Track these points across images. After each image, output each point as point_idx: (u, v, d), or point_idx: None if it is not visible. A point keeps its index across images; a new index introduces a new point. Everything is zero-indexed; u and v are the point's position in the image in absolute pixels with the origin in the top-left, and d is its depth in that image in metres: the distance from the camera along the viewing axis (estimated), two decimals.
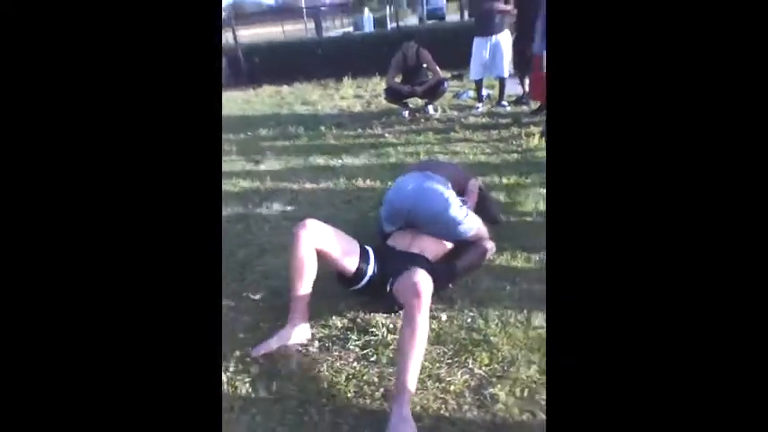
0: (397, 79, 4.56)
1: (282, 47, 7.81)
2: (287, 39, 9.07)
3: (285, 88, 6.51)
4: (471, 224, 1.82)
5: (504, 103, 4.45)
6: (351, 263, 1.57)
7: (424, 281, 1.28)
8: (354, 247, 1.61)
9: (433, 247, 1.78)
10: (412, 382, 1.21)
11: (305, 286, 1.50)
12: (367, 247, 1.65)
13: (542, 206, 2.37)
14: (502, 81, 4.42)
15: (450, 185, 1.90)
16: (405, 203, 1.82)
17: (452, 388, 1.32)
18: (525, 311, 1.60)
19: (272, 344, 1.48)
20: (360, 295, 1.68)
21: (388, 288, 1.52)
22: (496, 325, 1.54)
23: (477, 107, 4.46)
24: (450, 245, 1.83)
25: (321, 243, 1.51)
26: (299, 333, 1.52)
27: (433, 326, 1.55)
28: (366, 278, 1.60)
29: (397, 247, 1.75)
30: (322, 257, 1.53)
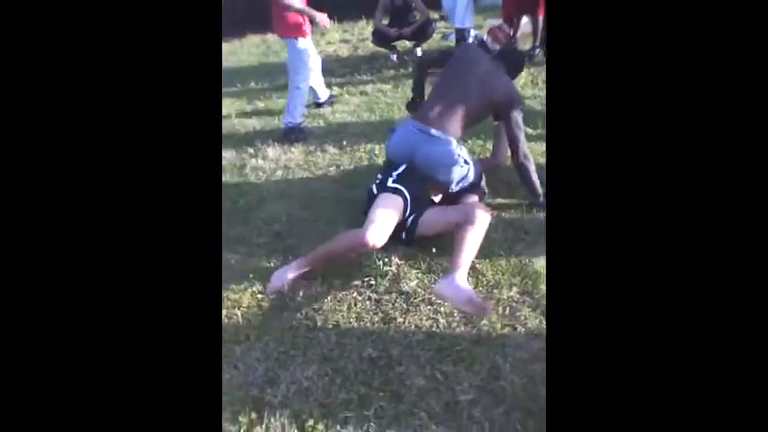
0: (385, 21, 4.47)
1: None
2: None
3: (270, 36, 6.32)
4: (470, 179, 1.88)
5: None
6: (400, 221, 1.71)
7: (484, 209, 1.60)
8: (398, 209, 1.71)
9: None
10: (468, 261, 1.49)
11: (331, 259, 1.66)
12: (402, 190, 1.73)
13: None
14: (458, 31, 4.19)
15: (453, 140, 1.81)
16: (404, 155, 1.84)
17: (442, 309, 1.48)
18: (508, 240, 1.75)
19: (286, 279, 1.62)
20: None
21: (408, 222, 1.68)
22: (482, 254, 1.69)
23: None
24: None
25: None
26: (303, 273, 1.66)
27: (423, 258, 1.70)
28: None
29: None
30: None
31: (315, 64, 3.16)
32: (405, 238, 1.74)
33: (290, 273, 1.63)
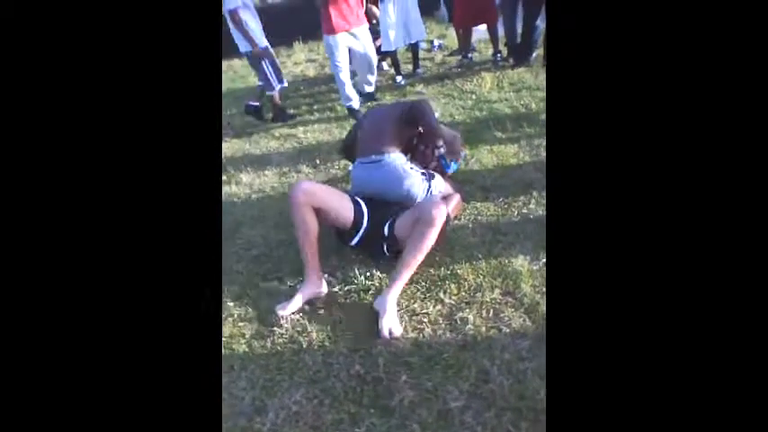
0: None
1: None
2: None
3: (237, 62, 6.34)
4: (437, 192, 1.89)
5: (420, 71, 4.27)
6: (347, 215, 1.72)
7: (443, 207, 1.57)
8: (347, 200, 1.75)
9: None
10: (406, 277, 1.54)
11: (311, 243, 1.63)
12: (357, 198, 1.78)
13: (496, 148, 2.51)
14: (415, 45, 4.18)
15: (404, 156, 1.90)
16: (367, 191, 1.86)
17: (427, 319, 1.48)
18: (487, 243, 1.77)
19: (298, 301, 1.60)
20: (355, 252, 1.82)
21: (386, 231, 1.68)
22: (462, 259, 1.70)
23: (398, 80, 4.09)
24: None
25: (317, 201, 1.63)
26: (318, 285, 1.64)
27: None
28: (362, 229, 1.74)
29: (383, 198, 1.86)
30: (320, 214, 1.65)
31: (354, 60, 3.49)
32: (387, 252, 1.73)
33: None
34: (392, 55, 4.06)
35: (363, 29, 3.34)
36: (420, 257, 1.56)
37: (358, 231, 1.75)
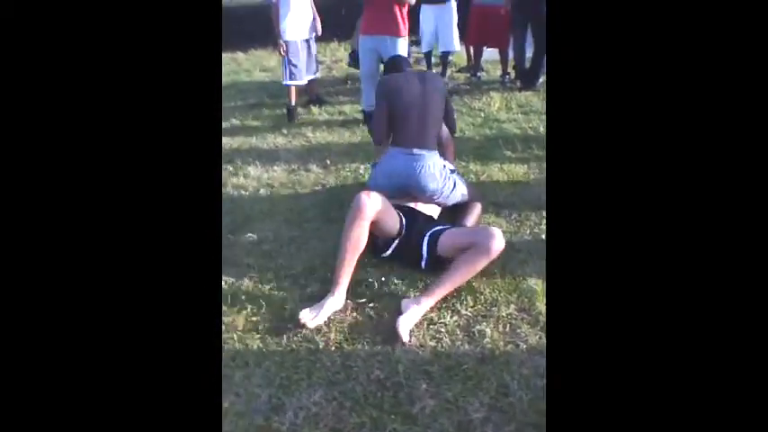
0: None
1: (233, 11, 7.43)
2: (238, 2, 8.60)
3: (240, 55, 6.27)
4: (459, 194, 1.97)
5: (446, 79, 4.38)
6: (394, 227, 1.74)
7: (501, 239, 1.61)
8: (395, 212, 1.76)
9: (432, 208, 1.97)
10: (439, 296, 1.56)
11: (353, 259, 1.62)
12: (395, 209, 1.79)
13: (506, 166, 2.56)
14: (445, 55, 4.40)
15: (435, 153, 1.95)
16: (394, 180, 1.90)
17: (444, 329, 1.49)
18: (501, 258, 1.79)
19: (324, 314, 1.54)
20: (385, 261, 1.81)
21: (424, 247, 1.71)
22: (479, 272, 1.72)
23: None
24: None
25: (378, 215, 1.64)
26: (342, 301, 1.60)
27: (421, 278, 1.71)
28: (398, 240, 1.77)
29: (408, 204, 1.89)
30: (372, 226, 1.65)
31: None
32: (426, 266, 1.72)
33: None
34: (426, 55, 4.49)
35: (400, 40, 3.07)
36: (461, 282, 1.60)
37: (393, 242, 1.77)
